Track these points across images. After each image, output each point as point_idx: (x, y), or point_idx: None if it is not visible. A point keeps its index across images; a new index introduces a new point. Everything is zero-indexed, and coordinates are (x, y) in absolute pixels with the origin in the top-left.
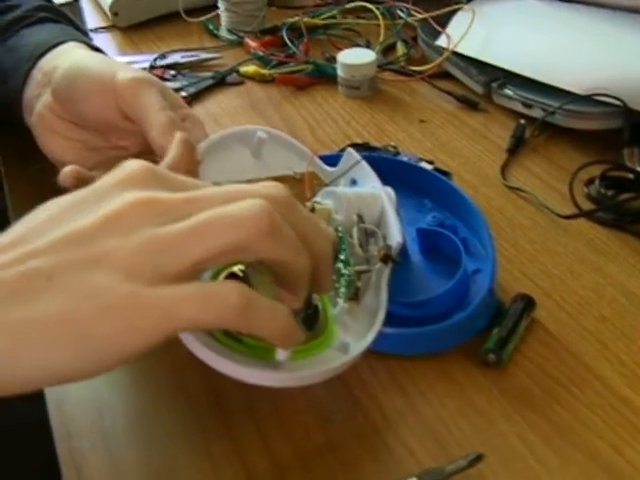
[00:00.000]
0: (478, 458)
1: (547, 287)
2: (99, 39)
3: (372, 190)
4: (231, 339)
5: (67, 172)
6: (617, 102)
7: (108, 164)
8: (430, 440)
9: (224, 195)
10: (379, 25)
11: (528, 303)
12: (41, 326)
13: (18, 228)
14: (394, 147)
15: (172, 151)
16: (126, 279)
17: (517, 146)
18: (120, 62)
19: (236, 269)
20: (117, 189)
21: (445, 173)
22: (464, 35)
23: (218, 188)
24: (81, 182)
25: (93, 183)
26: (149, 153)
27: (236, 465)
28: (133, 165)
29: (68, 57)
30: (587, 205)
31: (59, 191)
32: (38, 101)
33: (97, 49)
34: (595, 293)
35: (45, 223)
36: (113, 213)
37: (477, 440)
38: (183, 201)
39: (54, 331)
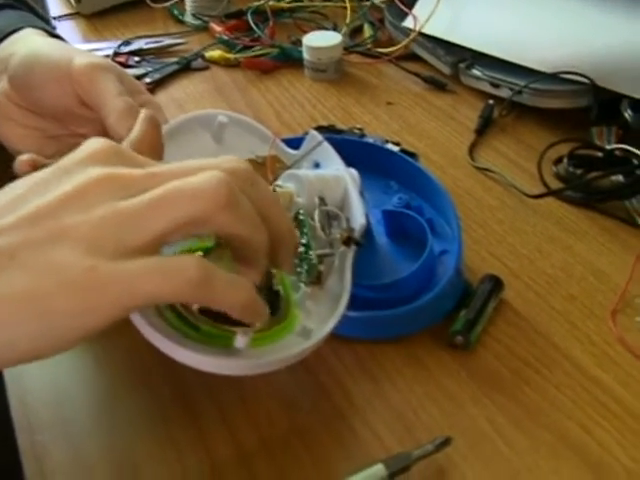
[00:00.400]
0: (446, 442)
1: (516, 267)
2: (63, 27)
3: (335, 172)
4: (189, 327)
5: (23, 160)
6: (585, 80)
7: (67, 152)
8: (398, 425)
9: (185, 169)
10: (346, 7)
11: (496, 284)
12: (3, 303)
13: None
14: (360, 129)
15: (136, 129)
16: (87, 254)
17: (485, 126)
18: (78, 48)
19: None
20: (80, 166)
21: (412, 154)
22: (430, 16)
23: (179, 163)
24: (38, 170)
25: None
26: None
27: (200, 453)
28: (95, 143)
29: (25, 44)
30: (556, 184)
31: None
32: None
33: (56, 36)
34: (564, 272)
35: (9, 203)
36: (74, 189)
37: (445, 424)
38: (143, 176)
39: (16, 308)
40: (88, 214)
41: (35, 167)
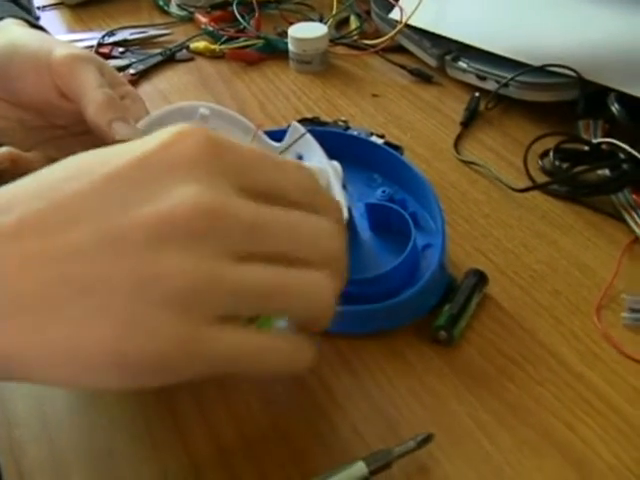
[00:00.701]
0: (427, 439)
1: (500, 262)
2: (47, 17)
3: (317, 165)
4: None
5: (4, 154)
6: (571, 73)
7: (47, 145)
8: (379, 422)
9: (292, 227)
10: None
11: (480, 278)
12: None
13: (43, 196)
14: (344, 121)
15: None
16: (181, 315)
17: (471, 119)
18: (58, 39)
19: None
20: (174, 175)
21: (396, 147)
22: (417, 7)
23: (287, 214)
24: (18, 165)
25: (31, 168)
26: (88, 132)
27: (179, 450)
28: (190, 140)
29: (4, 34)
30: (542, 178)
31: None
32: None
33: (37, 26)
34: (549, 267)
35: (77, 199)
36: (170, 216)
37: (428, 420)
38: (250, 227)
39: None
40: (186, 262)
41: (14, 161)
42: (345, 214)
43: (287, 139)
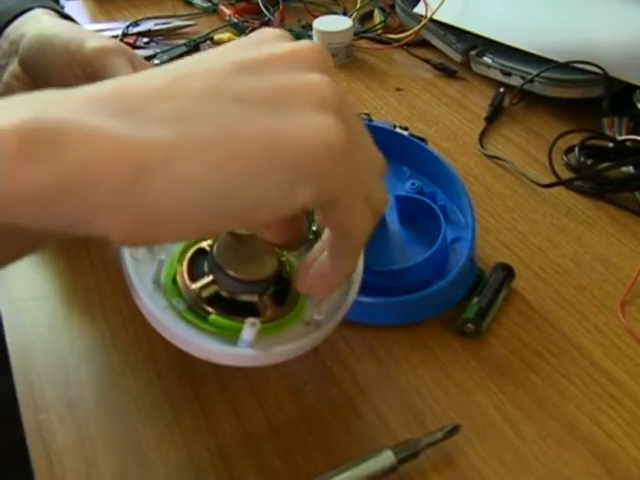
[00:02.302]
0: (454, 429)
1: (525, 256)
2: (71, 7)
3: None
4: (198, 317)
5: None
6: (597, 70)
7: None
8: (405, 411)
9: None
10: None
11: (508, 273)
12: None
13: None
14: (367, 114)
15: None
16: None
17: (496, 114)
18: (88, 30)
19: (204, 244)
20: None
21: (421, 139)
22: (442, 2)
23: None
24: None
25: None
26: None
27: (206, 436)
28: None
29: (35, 24)
30: (566, 174)
31: None
32: (5, 71)
33: (66, 16)
34: (574, 262)
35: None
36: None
37: (453, 411)
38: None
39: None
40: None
41: None
42: None
43: None
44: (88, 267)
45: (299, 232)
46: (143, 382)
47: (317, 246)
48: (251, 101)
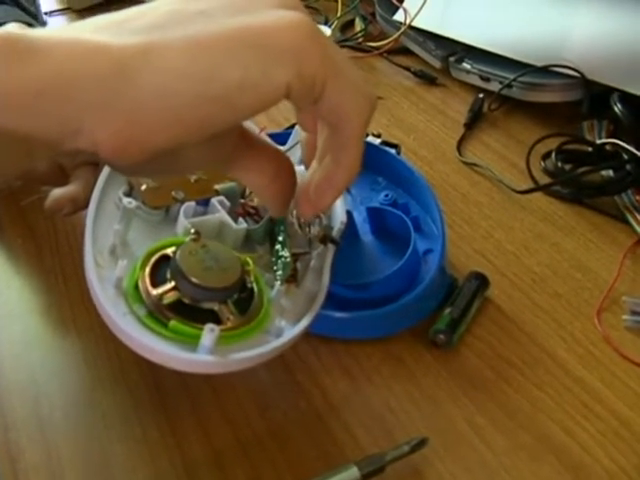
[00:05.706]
0: (422, 443)
1: (501, 264)
2: (54, 22)
3: None
4: (158, 324)
5: (64, 196)
6: (575, 73)
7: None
8: (375, 425)
9: None
10: (337, 1)
11: (482, 282)
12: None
13: None
14: None
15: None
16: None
17: (475, 120)
18: None
19: (169, 251)
20: None
21: (393, 146)
22: (421, 9)
23: None
24: (78, 205)
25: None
26: None
27: (173, 451)
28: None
29: None
30: (545, 179)
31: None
32: None
33: None
34: (550, 269)
35: None
36: None
37: (423, 424)
38: None
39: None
40: None
41: (74, 201)
42: (344, 219)
43: (291, 141)
44: (62, 284)
45: (286, 188)
46: (113, 398)
47: (308, 172)
48: (214, 10)
